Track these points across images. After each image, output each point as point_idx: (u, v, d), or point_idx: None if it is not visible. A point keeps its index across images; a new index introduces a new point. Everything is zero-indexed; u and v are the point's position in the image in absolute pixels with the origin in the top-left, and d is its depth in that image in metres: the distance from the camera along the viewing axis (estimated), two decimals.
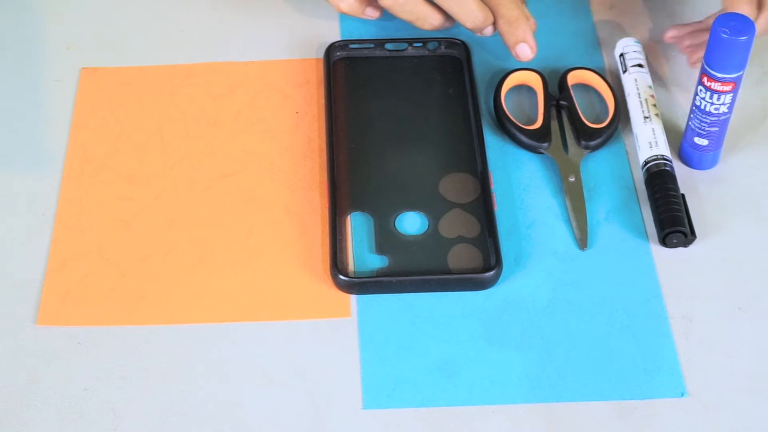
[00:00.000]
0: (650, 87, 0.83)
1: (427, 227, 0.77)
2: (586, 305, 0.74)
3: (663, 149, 0.80)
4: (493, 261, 0.74)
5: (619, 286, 0.75)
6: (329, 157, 0.79)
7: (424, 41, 0.87)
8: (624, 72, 0.85)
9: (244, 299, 0.74)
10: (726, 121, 0.78)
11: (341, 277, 0.74)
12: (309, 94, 0.85)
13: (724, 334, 0.73)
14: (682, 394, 0.70)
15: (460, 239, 0.76)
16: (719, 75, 0.75)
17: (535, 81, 0.85)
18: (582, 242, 0.77)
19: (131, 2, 0.91)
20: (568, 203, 0.78)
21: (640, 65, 0.85)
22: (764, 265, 0.76)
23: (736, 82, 0.75)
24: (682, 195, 0.78)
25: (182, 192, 0.79)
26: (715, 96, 0.76)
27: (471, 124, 0.82)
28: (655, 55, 0.88)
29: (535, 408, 0.69)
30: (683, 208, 0.77)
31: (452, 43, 0.87)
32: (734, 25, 0.72)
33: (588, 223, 0.77)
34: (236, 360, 0.71)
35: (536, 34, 0.84)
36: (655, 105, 0.82)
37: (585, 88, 0.85)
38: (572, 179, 0.79)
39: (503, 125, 0.83)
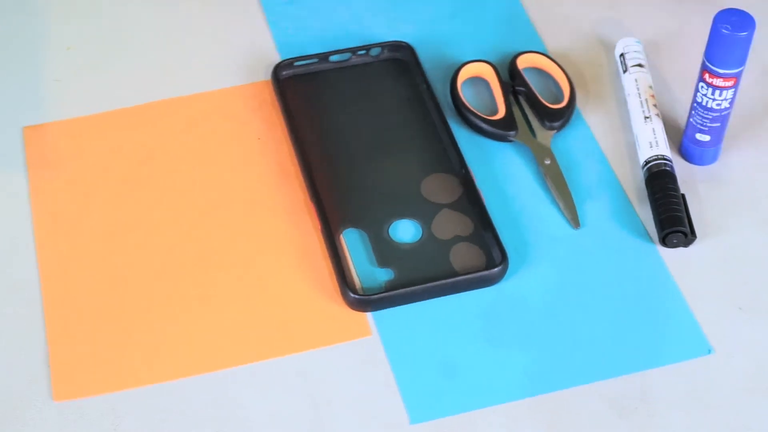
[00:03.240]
0: (650, 87, 0.83)
1: (421, 233, 0.76)
2: (594, 283, 0.74)
3: (663, 149, 0.80)
4: (497, 255, 0.74)
5: (620, 261, 0.76)
6: (307, 179, 0.78)
7: (367, 48, 0.86)
8: (624, 72, 0.85)
9: (259, 336, 0.72)
10: (727, 116, 0.78)
11: (353, 296, 0.73)
12: (266, 117, 0.83)
13: (724, 334, 0.73)
14: (710, 351, 0.71)
15: (457, 239, 0.76)
16: (720, 71, 0.75)
17: (487, 71, 0.85)
18: (574, 221, 0.77)
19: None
20: (550, 186, 0.79)
21: (640, 65, 0.85)
22: (764, 265, 0.76)
23: (737, 78, 0.76)
24: (682, 195, 0.78)
25: (165, 238, 0.77)
26: (717, 92, 0.76)
27: (436, 123, 0.82)
28: (655, 54, 0.88)
29: (534, 408, 0.69)
30: (683, 208, 0.77)
31: (395, 46, 0.86)
32: (735, 20, 0.73)
33: (575, 202, 0.78)
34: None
35: (473, 28, 0.86)
36: (655, 105, 0.82)
37: (536, 71, 0.86)
38: (548, 162, 0.80)
39: (467, 119, 0.83)
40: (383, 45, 0.86)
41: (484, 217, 0.76)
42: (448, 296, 0.74)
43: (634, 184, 0.80)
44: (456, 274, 0.74)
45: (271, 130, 0.83)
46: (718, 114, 0.78)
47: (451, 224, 0.77)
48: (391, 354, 0.72)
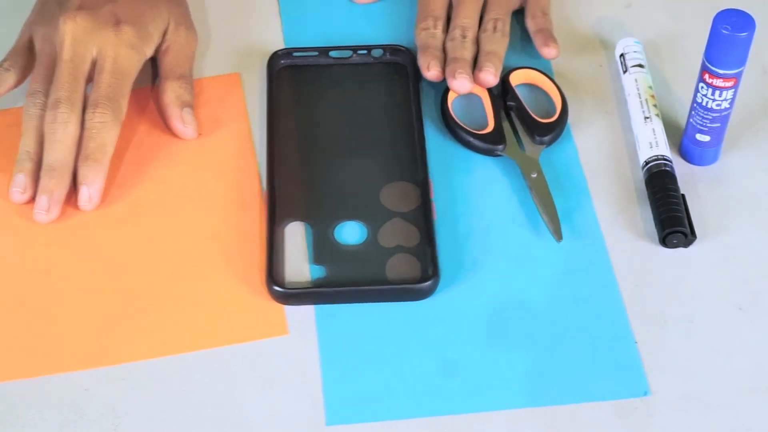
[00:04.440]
0: (650, 87, 0.84)
1: (366, 237, 0.76)
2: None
3: (663, 149, 0.80)
4: (430, 271, 0.73)
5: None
6: (268, 168, 0.78)
7: (369, 48, 0.86)
8: (624, 72, 0.85)
9: (186, 329, 0.72)
10: (727, 116, 0.78)
11: (275, 288, 0.72)
12: (249, 106, 0.83)
13: (724, 334, 0.73)
14: (645, 393, 0.70)
15: (399, 249, 0.75)
16: (720, 71, 0.75)
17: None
18: (557, 234, 0.76)
19: None
20: (535, 198, 0.78)
21: (640, 65, 0.85)
22: (764, 265, 0.76)
23: (737, 78, 0.76)
24: (682, 195, 0.78)
25: (95, 229, 0.76)
26: (717, 92, 0.76)
27: (413, 131, 0.81)
28: (655, 54, 0.88)
29: (533, 410, 0.69)
30: (683, 208, 0.77)
31: (397, 50, 0.86)
32: (735, 21, 0.73)
33: (559, 215, 0.77)
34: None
35: None
36: (655, 105, 0.82)
37: (528, 87, 0.85)
38: (534, 175, 0.79)
39: (455, 132, 0.82)
40: (385, 47, 0.86)
41: (430, 231, 0.75)
42: (391, 303, 0.73)
43: (634, 184, 0.80)
44: (386, 282, 0.73)
45: (241, 119, 0.82)
46: (718, 114, 0.78)
47: (397, 234, 0.76)
48: (324, 353, 0.71)
